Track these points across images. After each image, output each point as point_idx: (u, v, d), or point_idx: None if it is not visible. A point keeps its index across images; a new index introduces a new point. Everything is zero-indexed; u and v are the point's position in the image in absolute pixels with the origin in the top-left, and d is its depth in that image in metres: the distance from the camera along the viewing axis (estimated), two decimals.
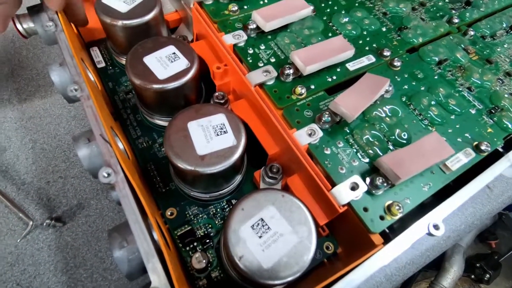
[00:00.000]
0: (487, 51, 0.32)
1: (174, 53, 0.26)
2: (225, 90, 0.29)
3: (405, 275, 0.30)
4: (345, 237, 0.24)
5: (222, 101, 0.27)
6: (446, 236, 0.32)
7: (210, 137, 0.22)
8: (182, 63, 0.26)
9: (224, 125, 0.23)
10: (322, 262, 0.24)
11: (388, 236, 0.22)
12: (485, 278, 1.14)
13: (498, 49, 0.32)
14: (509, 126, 0.26)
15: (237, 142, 0.22)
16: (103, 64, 0.33)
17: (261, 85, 0.26)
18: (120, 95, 0.32)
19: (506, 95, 0.28)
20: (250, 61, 0.27)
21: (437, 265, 0.58)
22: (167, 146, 0.22)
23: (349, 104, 0.23)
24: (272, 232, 0.19)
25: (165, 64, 0.26)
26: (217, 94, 0.27)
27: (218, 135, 0.22)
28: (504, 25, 0.34)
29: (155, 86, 0.25)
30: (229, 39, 0.28)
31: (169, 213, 0.26)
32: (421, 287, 0.60)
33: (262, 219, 0.19)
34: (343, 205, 0.21)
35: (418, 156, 0.22)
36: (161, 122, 0.29)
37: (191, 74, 0.26)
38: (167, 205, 0.26)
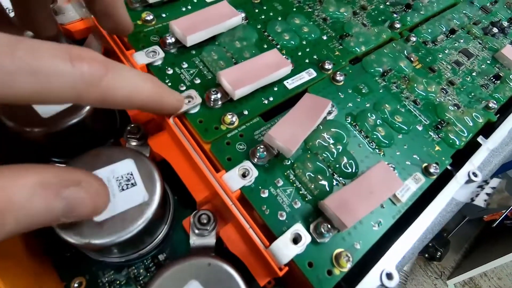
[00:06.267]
0: (429, 58, 0.30)
1: None
2: (142, 120, 0.23)
3: None
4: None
5: (137, 136, 0.22)
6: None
7: (112, 195, 0.17)
8: None
9: (132, 175, 0.18)
10: None
11: (341, 287, 0.19)
12: (437, 256, 1.23)
13: (440, 55, 0.31)
14: (456, 141, 0.25)
15: (150, 197, 0.17)
16: None
17: (183, 115, 0.21)
18: None
19: (450, 107, 0.27)
20: (169, 84, 0.23)
21: None
22: None
23: (285, 136, 0.19)
24: None
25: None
26: (129, 128, 0.22)
27: (123, 189, 0.17)
28: (444, 29, 0.33)
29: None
30: (141, 57, 0.23)
31: (75, 285, 0.20)
32: None
33: None
34: (285, 265, 0.17)
35: (366, 193, 0.19)
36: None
37: (84, 112, 0.20)
38: (73, 273, 0.20)
